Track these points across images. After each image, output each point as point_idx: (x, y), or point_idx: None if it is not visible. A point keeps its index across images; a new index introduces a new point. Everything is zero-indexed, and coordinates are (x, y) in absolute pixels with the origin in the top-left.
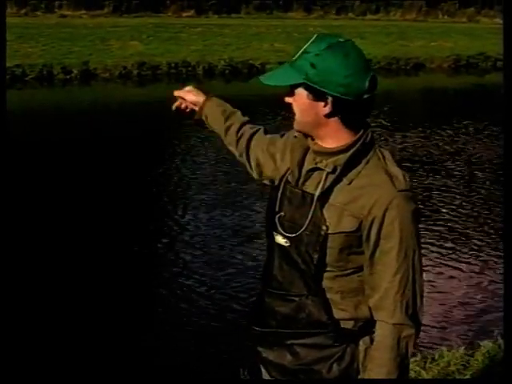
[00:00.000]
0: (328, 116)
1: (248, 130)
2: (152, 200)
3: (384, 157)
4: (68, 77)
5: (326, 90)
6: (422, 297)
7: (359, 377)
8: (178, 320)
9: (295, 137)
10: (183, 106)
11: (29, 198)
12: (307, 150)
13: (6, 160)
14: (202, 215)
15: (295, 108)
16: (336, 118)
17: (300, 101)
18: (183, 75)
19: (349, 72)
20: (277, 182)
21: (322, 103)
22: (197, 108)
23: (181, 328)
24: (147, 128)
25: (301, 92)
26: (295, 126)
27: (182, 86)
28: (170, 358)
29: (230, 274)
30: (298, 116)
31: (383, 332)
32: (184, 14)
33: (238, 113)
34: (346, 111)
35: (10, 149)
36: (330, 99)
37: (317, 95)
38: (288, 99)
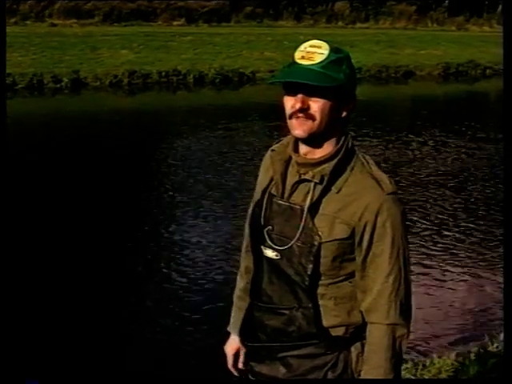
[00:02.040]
0: (344, 120)
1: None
2: (141, 207)
3: (367, 162)
4: (58, 86)
5: (353, 94)
6: (411, 295)
7: None
8: (177, 321)
9: (273, 150)
10: (241, 365)
11: (18, 206)
12: (288, 162)
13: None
14: (195, 222)
15: (317, 110)
16: (342, 123)
17: (327, 103)
18: (174, 84)
19: (356, 77)
20: (259, 196)
21: (343, 107)
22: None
23: (179, 328)
24: (138, 136)
25: (329, 95)
26: (310, 129)
27: (172, 95)
28: (169, 357)
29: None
30: (320, 118)
31: (379, 333)
32: (174, 23)
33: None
34: (351, 114)
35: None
36: (353, 103)
37: (344, 99)
38: (306, 101)
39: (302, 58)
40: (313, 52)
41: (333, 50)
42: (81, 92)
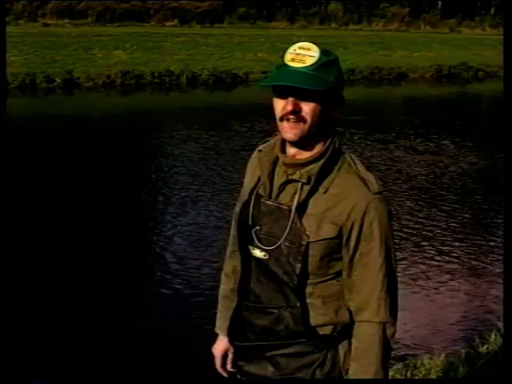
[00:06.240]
0: (332, 121)
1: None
2: (135, 207)
3: (354, 162)
4: (51, 86)
5: (342, 96)
6: (397, 294)
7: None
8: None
9: (260, 150)
10: (229, 367)
11: (13, 207)
12: (275, 162)
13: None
14: (191, 221)
15: (309, 112)
16: (331, 124)
17: (318, 106)
18: (167, 84)
19: (343, 79)
20: (247, 196)
21: (333, 109)
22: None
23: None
24: (130, 137)
25: (321, 97)
26: (301, 132)
27: (165, 95)
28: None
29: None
30: (311, 121)
31: (369, 331)
32: (167, 24)
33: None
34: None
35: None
36: (341, 104)
37: (333, 100)
38: (297, 104)
39: (293, 60)
40: (303, 54)
41: (323, 53)
42: (73, 92)
